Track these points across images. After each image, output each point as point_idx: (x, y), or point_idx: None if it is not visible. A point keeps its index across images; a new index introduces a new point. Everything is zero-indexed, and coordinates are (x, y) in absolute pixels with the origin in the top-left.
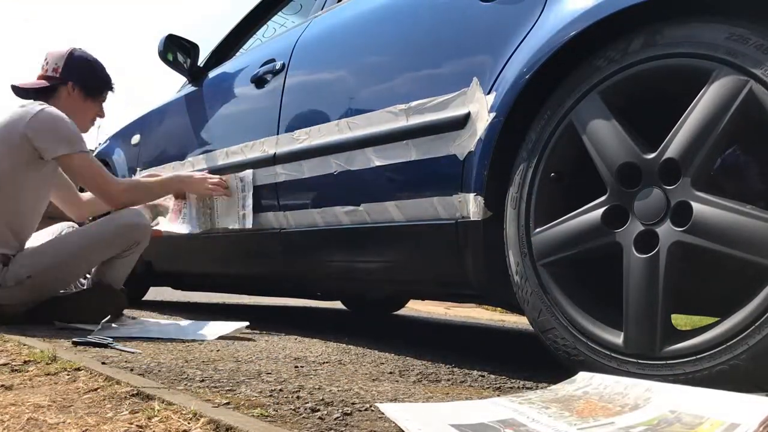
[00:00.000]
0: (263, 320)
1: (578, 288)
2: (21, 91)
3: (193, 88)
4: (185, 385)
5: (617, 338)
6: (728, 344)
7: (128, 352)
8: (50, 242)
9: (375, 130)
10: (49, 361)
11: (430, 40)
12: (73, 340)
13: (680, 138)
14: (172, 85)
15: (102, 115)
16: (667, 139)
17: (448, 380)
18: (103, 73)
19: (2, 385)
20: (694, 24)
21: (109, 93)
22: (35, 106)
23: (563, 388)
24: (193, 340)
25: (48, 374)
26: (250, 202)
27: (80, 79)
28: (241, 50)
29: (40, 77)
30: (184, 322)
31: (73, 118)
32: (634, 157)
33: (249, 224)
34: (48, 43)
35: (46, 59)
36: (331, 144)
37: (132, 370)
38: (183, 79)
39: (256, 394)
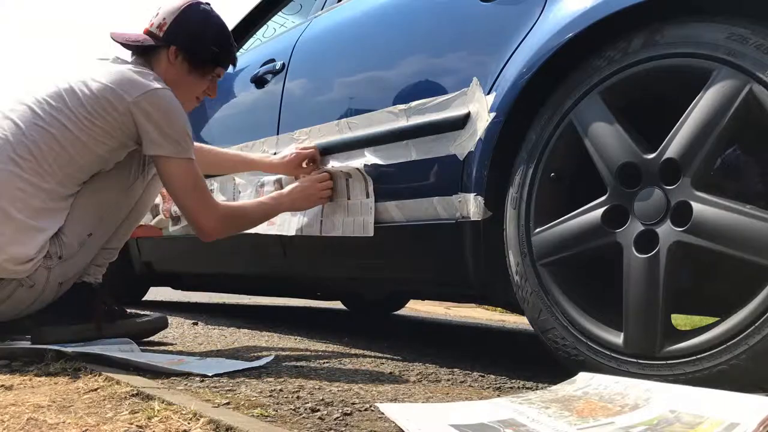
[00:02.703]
0: (263, 320)
1: (578, 288)
2: (120, 44)
3: None
4: (185, 385)
5: (617, 338)
6: (728, 344)
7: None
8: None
9: (375, 130)
10: (50, 362)
11: (430, 40)
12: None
13: (680, 138)
14: None
15: (212, 95)
16: (667, 139)
17: (448, 380)
18: (219, 41)
19: (2, 385)
20: (694, 24)
21: (227, 69)
22: (149, 77)
23: (563, 388)
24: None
25: (48, 374)
26: (371, 203)
27: (187, 45)
28: (241, 50)
29: (145, 31)
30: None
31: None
32: (634, 157)
33: (371, 231)
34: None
35: (158, 9)
36: (331, 144)
37: (132, 370)
38: None
39: (256, 394)
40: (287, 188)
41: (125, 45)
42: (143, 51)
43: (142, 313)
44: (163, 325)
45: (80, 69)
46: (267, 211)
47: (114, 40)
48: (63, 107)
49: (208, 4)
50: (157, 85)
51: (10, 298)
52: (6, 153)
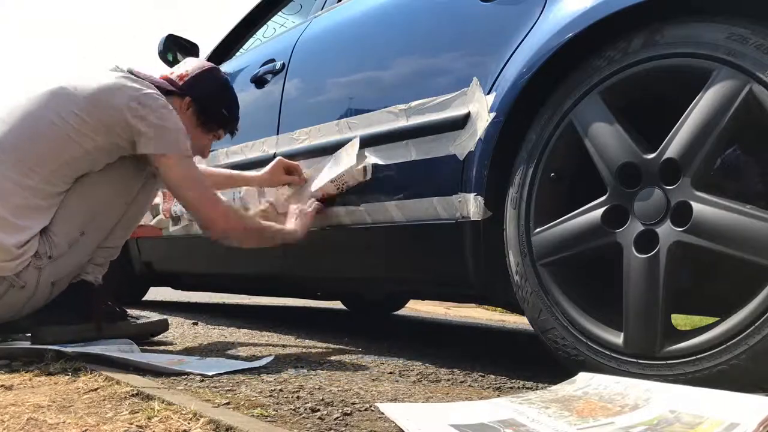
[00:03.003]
0: (263, 320)
1: (578, 288)
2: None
3: None
4: (185, 385)
5: (617, 338)
6: (728, 344)
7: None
8: None
9: (375, 130)
10: (49, 361)
11: (430, 40)
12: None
13: (680, 138)
14: None
15: (204, 155)
16: (667, 139)
17: (448, 380)
18: (230, 108)
19: (2, 385)
20: (694, 24)
21: (227, 135)
22: (145, 84)
23: (563, 388)
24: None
25: (48, 374)
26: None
27: (201, 99)
28: (241, 50)
29: (164, 77)
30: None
31: None
32: (634, 157)
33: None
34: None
35: (184, 62)
36: (331, 144)
37: (132, 370)
38: None
39: (256, 394)
40: (289, 226)
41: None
42: (162, 91)
43: (143, 314)
44: (163, 327)
45: (82, 72)
46: (270, 231)
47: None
48: (54, 104)
49: (225, 75)
50: (151, 90)
51: (2, 299)
52: None
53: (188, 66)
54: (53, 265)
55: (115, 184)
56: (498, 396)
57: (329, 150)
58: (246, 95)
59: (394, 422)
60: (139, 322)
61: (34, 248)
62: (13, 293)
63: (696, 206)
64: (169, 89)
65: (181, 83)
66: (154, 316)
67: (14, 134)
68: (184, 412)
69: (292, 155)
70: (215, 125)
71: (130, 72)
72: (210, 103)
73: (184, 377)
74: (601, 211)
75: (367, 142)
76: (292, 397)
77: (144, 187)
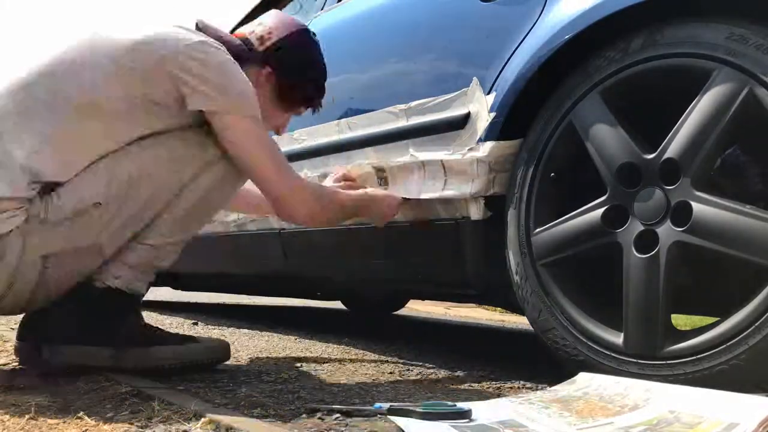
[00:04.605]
0: (263, 320)
1: (578, 288)
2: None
3: None
4: (185, 385)
5: (617, 338)
6: (728, 344)
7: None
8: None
9: (375, 130)
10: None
11: (431, 40)
12: None
13: (680, 138)
14: None
15: (280, 132)
16: (667, 139)
17: (448, 380)
18: (318, 81)
19: (2, 385)
20: (694, 24)
21: (308, 111)
22: (198, 35)
23: (563, 388)
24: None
25: (48, 374)
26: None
27: (286, 72)
28: None
29: (239, 34)
30: None
31: None
32: (634, 157)
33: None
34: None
35: (262, 20)
36: (332, 144)
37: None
38: None
39: (256, 394)
40: (371, 191)
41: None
42: (231, 52)
43: (183, 335)
44: (224, 355)
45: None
46: (355, 199)
47: (199, 29)
48: (86, 48)
49: (316, 39)
50: (208, 39)
51: None
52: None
53: (273, 26)
54: (43, 233)
55: (162, 151)
56: (498, 396)
57: (330, 150)
58: None
59: (394, 422)
60: (186, 346)
61: (25, 212)
62: None
63: (696, 206)
64: (245, 54)
65: (261, 48)
66: (205, 340)
67: (55, 80)
68: (184, 412)
69: (292, 155)
70: (298, 103)
71: (196, 26)
72: (297, 76)
73: (183, 377)
74: (601, 211)
75: (367, 142)
76: (292, 397)
77: (209, 171)
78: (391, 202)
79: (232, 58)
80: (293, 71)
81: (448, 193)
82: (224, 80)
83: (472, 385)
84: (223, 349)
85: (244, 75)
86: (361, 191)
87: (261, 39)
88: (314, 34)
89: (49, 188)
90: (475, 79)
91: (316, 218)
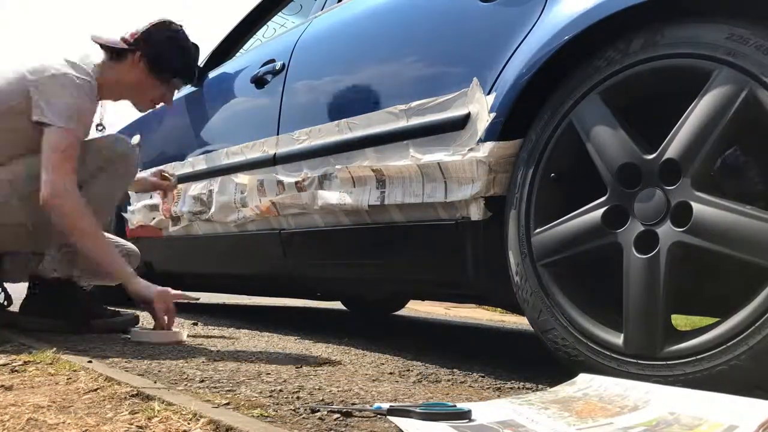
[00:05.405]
0: (263, 320)
1: (578, 288)
2: (99, 45)
3: (193, 89)
4: (185, 385)
5: (617, 339)
6: (728, 345)
7: None
8: None
9: (375, 131)
10: (50, 362)
11: (430, 41)
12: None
13: (680, 138)
14: None
15: (168, 103)
16: (667, 139)
17: (448, 380)
18: (181, 58)
19: (2, 386)
20: (694, 24)
21: (183, 83)
22: (62, 69)
23: (563, 389)
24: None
25: (48, 374)
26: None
27: (150, 52)
28: (241, 50)
29: (121, 38)
30: None
31: (132, 92)
32: (635, 157)
33: None
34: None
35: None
36: (332, 144)
37: (132, 370)
38: None
39: (256, 395)
40: (131, 275)
41: (102, 46)
42: (116, 53)
43: (118, 310)
44: (133, 323)
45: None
46: (103, 249)
47: (93, 41)
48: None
49: (180, 26)
50: (68, 71)
51: None
52: None
53: (141, 24)
54: None
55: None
56: (498, 396)
57: (330, 150)
58: (246, 95)
59: (394, 422)
60: (109, 320)
61: None
62: None
63: (696, 207)
64: (122, 47)
65: (132, 40)
66: (126, 314)
67: None
68: (184, 413)
69: (292, 155)
70: (168, 74)
71: (93, 38)
72: (159, 55)
73: (183, 378)
74: (601, 211)
75: (367, 143)
76: (292, 397)
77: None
78: (143, 291)
79: (78, 86)
80: (154, 47)
81: (449, 197)
82: (55, 101)
83: (472, 385)
84: (133, 319)
85: (85, 101)
86: (127, 270)
87: (132, 35)
88: (175, 24)
89: None
90: (475, 79)
91: (61, 208)
